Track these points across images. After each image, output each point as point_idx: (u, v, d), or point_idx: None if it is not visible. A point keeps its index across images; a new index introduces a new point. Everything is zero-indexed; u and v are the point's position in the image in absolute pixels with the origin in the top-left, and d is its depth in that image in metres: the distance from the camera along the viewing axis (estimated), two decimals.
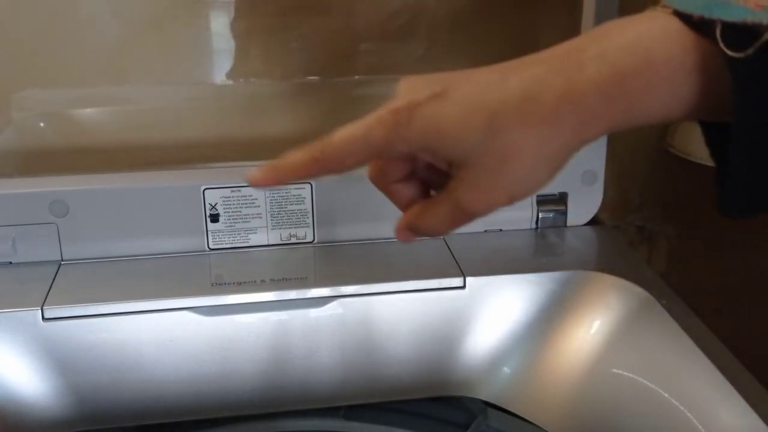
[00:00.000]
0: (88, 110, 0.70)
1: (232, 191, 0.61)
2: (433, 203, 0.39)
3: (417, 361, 0.57)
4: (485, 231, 0.64)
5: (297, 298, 0.55)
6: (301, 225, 0.62)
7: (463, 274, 0.57)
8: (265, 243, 0.62)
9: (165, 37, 0.68)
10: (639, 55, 0.34)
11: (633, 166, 0.79)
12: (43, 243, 0.59)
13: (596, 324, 0.55)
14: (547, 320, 0.57)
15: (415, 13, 0.72)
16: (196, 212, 0.60)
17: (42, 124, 0.69)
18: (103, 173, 0.61)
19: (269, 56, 0.71)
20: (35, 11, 0.65)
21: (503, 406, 0.57)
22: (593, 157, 0.63)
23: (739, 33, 0.32)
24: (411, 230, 0.40)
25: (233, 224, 0.61)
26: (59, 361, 0.53)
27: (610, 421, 0.51)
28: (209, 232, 0.61)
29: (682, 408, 0.46)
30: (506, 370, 0.57)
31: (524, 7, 0.71)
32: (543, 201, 0.64)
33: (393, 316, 0.56)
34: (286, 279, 0.57)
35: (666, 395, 0.47)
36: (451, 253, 0.60)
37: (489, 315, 0.57)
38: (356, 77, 0.73)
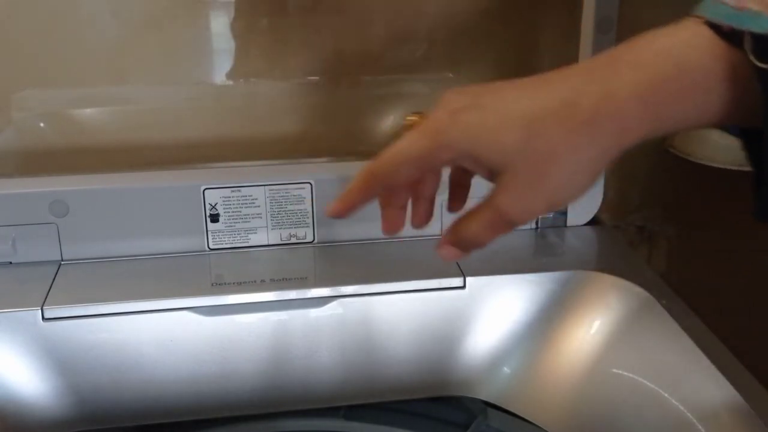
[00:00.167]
0: (88, 110, 0.70)
1: (232, 191, 0.61)
2: (474, 211, 0.39)
3: (417, 361, 0.57)
4: None
5: (297, 298, 0.55)
6: (301, 225, 0.62)
7: (463, 274, 0.57)
8: (265, 243, 0.62)
9: (165, 37, 0.68)
10: (672, 62, 0.35)
11: (633, 166, 0.79)
12: (43, 243, 0.59)
13: (596, 324, 0.55)
14: (547, 320, 0.57)
15: (416, 14, 0.72)
16: (196, 212, 0.60)
17: (42, 124, 0.69)
18: (103, 173, 0.61)
19: (269, 56, 0.71)
20: (35, 11, 0.65)
21: (503, 406, 0.57)
22: None
23: None
24: (452, 241, 0.40)
25: (233, 224, 0.61)
26: (59, 361, 0.53)
27: (610, 421, 0.51)
28: (209, 232, 0.61)
29: (682, 408, 0.46)
30: (506, 370, 0.57)
31: (524, 7, 0.71)
32: None
33: (393, 316, 0.56)
34: (286, 279, 0.57)
35: (666, 395, 0.47)
36: None
37: (489, 315, 0.57)
38: (356, 77, 0.73)
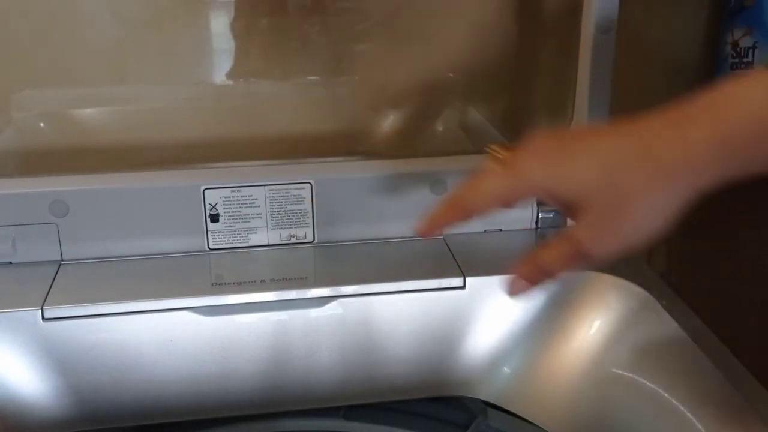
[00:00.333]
0: (88, 110, 0.70)
1: (232, 191, 0.61)
2: (552, 242, 0.42)
3: (417, 361, 0.57)
4: (485, 231, 0.64)
5: (297, 298, 0.55)
6: (301, 225, 0.62)
7: (463, 274, 0.57)
8: (265, 243, 0.62)
9: (165, 37, 0.68)
10: (747, 112, 0.37)
11: None
12: (43, 243, 0.59)
13: (596, 324, 0.55)
14: (547, 320, 0.57)
15: (415, 14, 0.72)
16: (196, 212, 0.60)
17: (42, 124, 0.69)
18: (103, 173, 0.61)
19: (269, 56, 0.71)
20: (35, 11, 0.65)
21: (503, 406, 0.57)
22: None
23: None
24: (526, 271, 0.43)
25: (233, 224, 0.61)
26: (59, 361, 0.53)
27: (610, 421, 0.51)
28: (209, 232, 0.61)
29: (682, 408, 0.46)
30: (506, 370, 0.57)
31: (523, 9, 0.71)
32: (543, 201, 0.64)
33: (393, 316, 0.56)
34: (286, 279, 0.57)
35: (666, 395, 0.47)
36: (451, 253, 0.60)
37: (489, 315, 0.57)
38: (356, 77, 0.73)
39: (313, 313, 0.56)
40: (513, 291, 0.44)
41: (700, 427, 0.44)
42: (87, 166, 0.69)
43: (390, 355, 0.57)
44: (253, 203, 0.61)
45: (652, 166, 0.38)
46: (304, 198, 0.61)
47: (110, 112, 0.70)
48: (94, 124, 0.70)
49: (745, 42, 0.67)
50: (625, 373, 0.51)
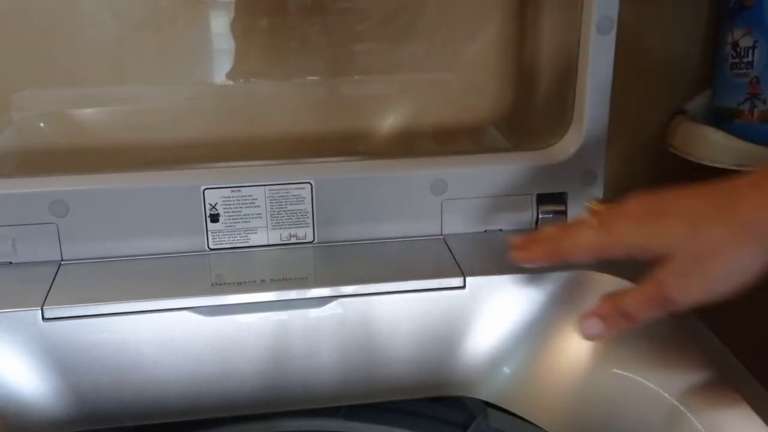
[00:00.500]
0: (88, 110, 0.70)
1: (232, 191, 0.61)
2: (636, 286, 0.44)
3: (417, 361, 0.57)
4: (485, 231, 0.64)
5: (297, 298, 0.55)
6: (301, 225, 0.62)
7: (463, 274, 0.57)
8: (265, 243, 0.62)
9: (165, 37, 0.68)
10: None
11: (633, 166, 0.79)
12: (43, 243, 0.59)
13: None
14: (547, 320, 0.57)
15: (415, 14, 0.72)
16: (196, 212, 0.60)
17: (42, 124, 0.69)
18: (103, 173, 0.61)
19: (269, 56, 0.71)
20: (35, 11, 0.65)
21: (503, 406, 0.57)
22: (593, 157, 0.63)
23: None
24: (605, 312, 0.45)
25: (233, 224, 0.61)
26: (59, 361, 0.53)
27: (610, 421, 0.51)
28: (209, 232, 0.61)
29: (682, 408, 0.46)
30: (506, 370, 0.57)
31: (524, 7, 0.71)
32: (543, 201, 0.64)
33: (393, 316, 0.56)
34: (286, 279, 0.57)
35: (666, 395, 0.47)
36: (451, 253, 0.60)
37: (489, 315, 0.57)
38: (356, 77, 0.73)
39: (313, 313, 0.56)
40: (588, 333, 0.46)
41: (700, 427, 0.44)
42: (87, 166, 0.69)
43: (390, 355, 0.57)
44: (253, 203, 0.61)
45: (736, 226, 0.40)
46: (304, 198, 0.61)
47: (110, 112, 0.70)
48: (94, 124, 0.70)
49: (745, 42, 0.67)
50: (625, 373, 0.51)
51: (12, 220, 0.58)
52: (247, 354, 0.55)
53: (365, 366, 0.57)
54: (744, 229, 0.40)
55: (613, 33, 0.60)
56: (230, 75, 0.70)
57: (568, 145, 0.64)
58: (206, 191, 0.60)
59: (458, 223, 0.64)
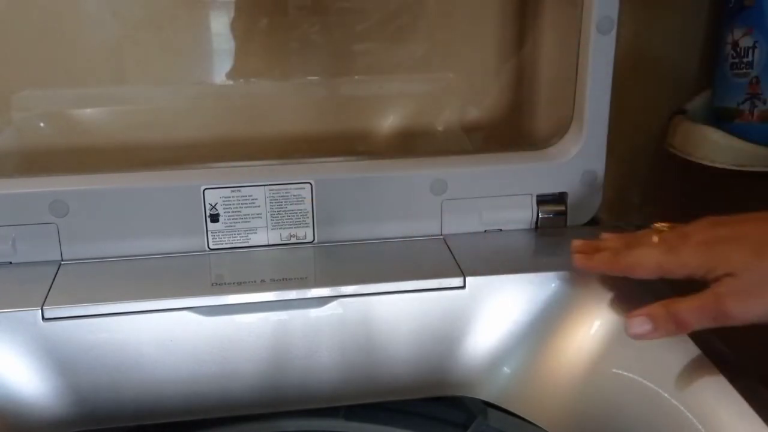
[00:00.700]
0: (88, 110, 0.70)
1: (232, 191, 0.61)
2: (690, 295, 0.45)
3: (417, 361, 0.57)
4: (485, 231, 0.64)
5: (297, 298, 0.55)
6: (301, 225, 0.62)
7: (463, 274, 0.57)
8: (265, 243, 0.62)
9: (165, 37, 0.68)
10: None
11: (633, 166, 0.79)
12: (43, 243, 0.59)
13: (596, 324, 0.55)
14: (547, 320, 0.57)
15: (415, 14, 0.72)
16: (196, 212, 0.60)
17: (42, 124, 0.69)
18: (103, 173, 0.61)
19: (269, 56, 0.71)
20: (35, 11, 0.65)
21: (503, 406, 0.57)
22: (593, 157, 0.64)
23: None
24: (656, 312, 0.45)
25: (233, 224, 0.61)
26: (59, 361, 0.53)
27: (610, 421, 0.51)
28: (209, 232, 0.61)
29: (682, 408, 0.46)
30: (506, 370, 0.57)
31: (524, 7, 0.71)
32: (543, 201, 0.64)
33: (393, 316, 0.56)
34: (286, 279, 0.57)
35: (666, 395, 0.47)
36: (451, 253, 0.60)
37: (489, 315, 0.57)
38: (356, 77, 0.73)
39: (313, 313, 0.56)
40: (634, 332, 0.46)
41: (700, 427, 0.44)
42: (87, 166, 0.69)
43: (390, 355, 0.57)
44: (253, 203, 0.61)
45: None
46: (304, 198, 0.61)
47: (110, 112, 0.70)
48: (94, 124, 0.70)
49: (745, 42, 0.67)
50: (625, 373, 0.51)
51: (12, 220, 0.58)
52: (247, 354, 0.55)
53: (365, 366, 0.57)
54: None
55: (613, 33, 0.60)
56: (230, 75, 0.70)
57: (568, 145, 0.64)
58: (206, 191, 0.60)
59: (458, 223, 0.64)
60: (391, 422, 0.59)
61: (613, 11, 0.59)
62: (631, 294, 0.53)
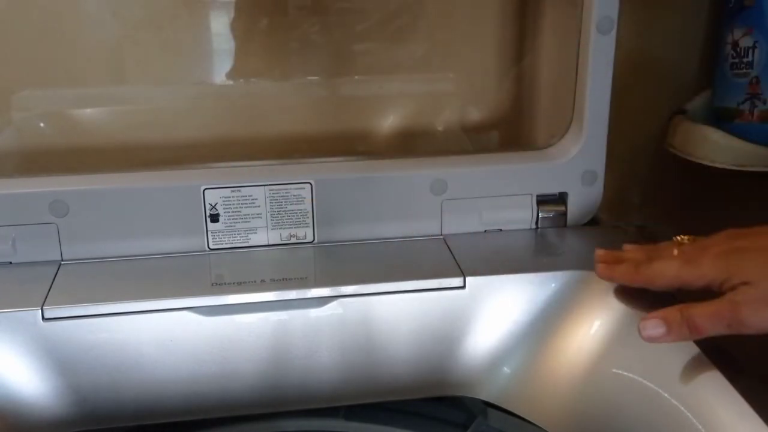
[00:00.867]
0: (88, 110, 0.70)
1: (232, 191, 0.61)
2: (706, 301, 0.45)
3: (417, 361, 0.57)
4: (485, 231, 0.64)
5: (297, 298, 0.55)
6: (301, 225, 0.62)
7: (463, 274, 0.57)
8: (265, 243, 0.62)
9: (165, 37, 0.68)
10: None
11: (633, 166, 0.79)
12: (43, 243, 0.59)
13: (596, 324, 0.55)
14: (547, 320, 0.57)
15: (415, 14, 0.72)
16: (196, 212, 0.60)
17: (42, 124, 0.69)
18: (103, 173, 0.61)
19: (269, 56, 0.71)
20: (35, 11, 0.65)
21: (503, 406, 0.57)
22: (593, 157, 0.64)
23: None
24: (672, 316, 0.45)
25: (233, 224, 0.61)
26: (59, 361, 0.53)
27: (610, 421, 0.51)
28: (209, 232, 0.61)
29: (682, 408, 0.46)
30: (506, 370, 0.57)
31: (524, 7, 0.71)
32: (543, 201, 0.64)
33: (393, 316, 0.56)
34: (286, 279, 0.57)
35: (666, 395, 0.47)
36: (451, 253, 0.60)
37: (489, 315, 0.57)
38: (356, 77, 0.73)
39: (313, 313, 0.56)
40: (648, 334, 0.46)
41: (700, 427, 0.44)
42: (87, 166, 0.69)
43: (390, 355, 0.57)
44: (253, 203, 0.61)
45: None
46: (304, 198, 0.61)
47: (110, 112, 0.70)
48: (94, 124, 0.70)
49: (745, 42, 0.67)
50: (625, 373, 0.51)
51: (12, 220, 0.58)
52: (247, 354, 0.55)
53: (365, 366, 0.57)
54: None
55: (613, 33, 0.60)
56: (230, 75, 0.70)
57: (568, 145, 0.64)
58: (206, 191, 0.60)
59: (458, 223, 0.64)
60: (391, 422, 0.59)
61: (613, 11, 0.59)
62: (631, 294, 0.53)
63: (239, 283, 0.56)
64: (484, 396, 0.57)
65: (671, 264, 0.48)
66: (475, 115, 0.75)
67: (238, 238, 0.62)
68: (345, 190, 0.62)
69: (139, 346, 0.54)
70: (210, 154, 0.70)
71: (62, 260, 0.60)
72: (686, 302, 0.46)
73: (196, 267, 0.59)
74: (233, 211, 0.61)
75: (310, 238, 0.62)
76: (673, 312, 0.45)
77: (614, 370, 0.52)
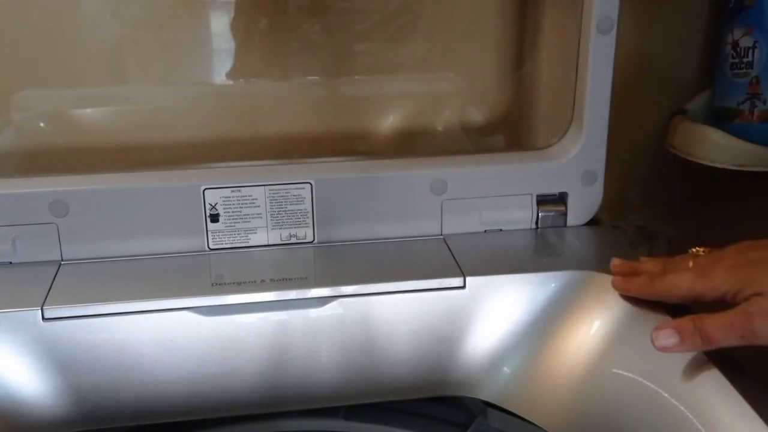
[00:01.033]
0: (88, 110, 0.70)
1: (232, 191, 0.61)
2: (720, 312, 0.45)
3: (417, 361, 0.57)
4: (485, 231, 0.64)
5: (297, 298, 0.55)
6: (301, 225, 0.62)
7: (463, 274, 0.57)
8: (265, 243, 0.62)
9: (165, 37, 0.68)
10: None
11: (633, 166, 0.79)
12: (43, 243, 0.59)
13: (596, 324, 0.55)
14: (547, 320, 0.57)
15: (415, 14, 0.72)
16: (196, 212, 0.60)
17: (42, 124, 0.69)
18: (103, 173, 0.61)
19: (269, 56, 0.71)
20: (35, 11, 0.65)
21: (503, 406, 0.57)
22: (593, 157, 0.64)
23: None
24: (685, 327, 0.45)
25: (233, 224, 0.61)
26: (59, 361, 0.53)
27: (610, 421, 0.51)
28: (209, 232, 0.61)
29: (682, 408, 0.46)
30: (506, 370, 0.57)
31: (524, 7, 0.71)
32: (543, 201, 0.64)
33: (393, 316, 0.56)
34: (286, 279, 0.57)
35: (666, 395, 0.47)
36: (451, 253, 0.60)
37: (489, 315, 0.57)
38: (356, 77, 0.73)
39: (313, 313, 0.56)
40: (661, 344, 0.46)
41: (700, 427, 0.44)
42: (87, 166, 0.69)
43: (390, 355, 0.57)
44: (253, 203, 0.61)
45: None
46: (304, 198, 0.61)
47: (110, 112, 0.70)
48: (94, 124, 0.70)
49: (745, 42, 0.67)
50: (625, 373, 0.51)
51: (12, 220, 0.58)
52: (247, 354, 0.55)
53: (365, 366, 0.57)
54: None
55: (613, 33, 0.60)
56: (230, 75, 0.70)
57: (568, 145, 0.64)
58: (206, 191, 0.60)
59: (458, 223, 0.64)
60: (391, 422, 0.59)
61: (613, 11, 0.59)
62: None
63: (239, 283, 0.56)
64: (484, 396, 0.57)
65: (685, 276, 0.49)
66: (475, 115, 0.75)
67: (238, 238, 0.62)
68: (345, 190, 0.62)
69: (139, 346, 0.54)
70: (210, 154, 0.70)
71: (62, 260, 0.60)
72: (700, 313, 0.46)
73: (196, 267, 0.59)
74: (233, 211, 0.61)
75: (310, 238, 0.62)
76: (686, 322, 0.45)
77: (614, 370, 0.52)
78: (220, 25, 0.68)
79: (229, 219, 0.61)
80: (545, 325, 0.57)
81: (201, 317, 0.54)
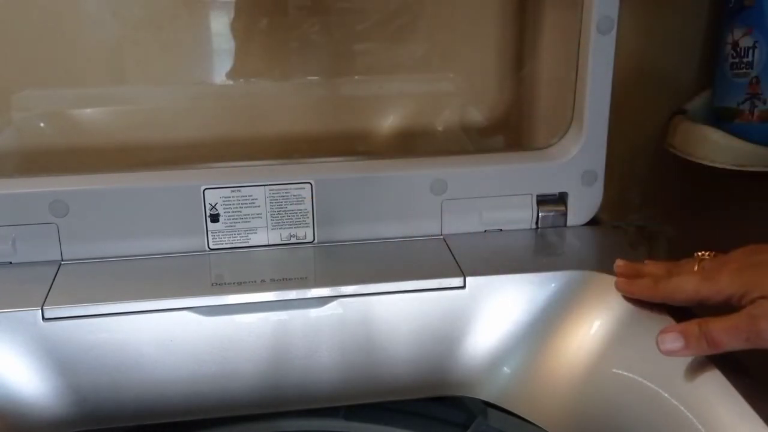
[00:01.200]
0: (88, 110, 0.70)
1: (232, 191, 0.61)
2: (725, 315, 0.45)
3: (417, 361, 0.57)
4: (485, 231, 0.64)
5: (297, 298, 0.55)
6: (301, 225, 0.62)
7: (463, 274, 0.57)
8: (265, 243, 0.62)
9: (165, 37, 0.68)
10: None
11: (633, 166, 0.79)
12: (43, 243, 0.59)
13: (596, 324, 0.55)
14: (547, 320, 0.57)
15: (415, 14, 0.72)
16: (196, 212, 0.60)
17: (42, 124, 0.69)
18: (103, 173, 0.61)
19: (269, 56, 0.71)
20: (35, 11, 0.65)
21: (503, 406, 0.57)
22: (593, 157, 0.63)
23: None
24: (691, 331, 0.45)
25: (233, 224, 0.61)
26: (59, 361, 0.53)
27: (610, 421, 0.51)
28: (209, 232, 0.61)
29: (682, 408, 0.46)
30: (506, 370, 0.57)
31: (524, 7, 0.71)
32: (543, 201, 0.64)
33: (393, 316, 0.56)
34: (286, 279, 0.57)
35: (666, 395, 0.47)
36: (451, 253, 0.60)
37: (489, 315, 0.57)
38: (356, 77, 0.73)
39: (313, 313, 0.56)
40: (666, 348, 0.46)
41: (700, 427, 0.44)
42: (87, 166, 0.69)
43: (390, 355, 0.57)
44: (253, 203, 0.61)
45: None
46: (304, 198, 0.61)
47: (110, 112, 0.70)
48: (94, 124, 0.70)
49: (745, 42, 0.67)
50: (625, 373, 0.51)
51: (12, 220, 0.58)
52: (247, 354, 0.55)
53: (365, 366, 0.57)
54: None
55: (613, 33, 0.60)
56: (230, 75, 0.70)
57: (568, 145, 0.64)
58: (206, 191, 0.60)
59: (458, 223, 0.64)
60: (391, 422, 0.59)
61: (613, 11, 0.59)
62: None
63: (239, 283, 0.56)
64: (484, 396, 0.57)
65: (690, 279, 0.49)
66: (475, 115, 0.75)
67: (238, 238, 0.62)
68: (345, 190, 0.62)
69: (139, 346, 0.54)
70: (210, 154, 0.70)
71: (62, 260, 0.60)
72: (706, 317, 0.46)
73: (196, 267, 0.59)
74: (233, 211, 0.61)
75: (310, 238, 0.62)
76: (691, 326, 0.45)
77: (614, 370, 0.52)
78: (220, 25, 0.68)
79: (229, 219, 0.61)
80: (545, 325, 0.57)
81: (201, 317, 0.54)
